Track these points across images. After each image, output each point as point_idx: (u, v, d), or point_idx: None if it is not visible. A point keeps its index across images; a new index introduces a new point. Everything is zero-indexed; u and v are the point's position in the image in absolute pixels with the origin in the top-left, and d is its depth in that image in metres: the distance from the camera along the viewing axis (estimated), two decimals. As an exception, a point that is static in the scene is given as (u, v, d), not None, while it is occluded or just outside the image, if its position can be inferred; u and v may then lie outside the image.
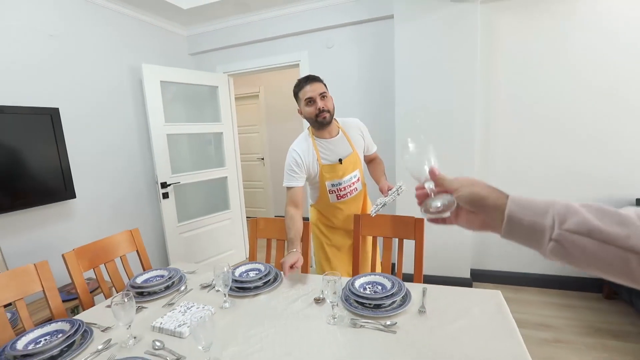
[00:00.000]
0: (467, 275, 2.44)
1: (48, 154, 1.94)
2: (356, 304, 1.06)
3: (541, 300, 2.26)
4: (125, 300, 0.95)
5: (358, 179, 1.61)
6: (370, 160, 1.75)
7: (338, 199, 1.58)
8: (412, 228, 1.50)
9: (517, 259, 2.47)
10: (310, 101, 1.42)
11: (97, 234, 2.23)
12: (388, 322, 0.96)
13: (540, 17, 2.17)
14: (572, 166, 2.25)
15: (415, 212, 1.71)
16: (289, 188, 1.51)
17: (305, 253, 1.54)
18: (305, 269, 1.50)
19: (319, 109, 1.40)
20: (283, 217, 1.53)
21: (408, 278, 1.42)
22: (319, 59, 2.75)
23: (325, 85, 1.48)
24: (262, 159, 4.70)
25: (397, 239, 1.54)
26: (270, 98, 4.52)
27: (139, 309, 1.16)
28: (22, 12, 1.89)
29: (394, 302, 1.04)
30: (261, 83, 4.51)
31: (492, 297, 1.07)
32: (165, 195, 2.63)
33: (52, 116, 1.94)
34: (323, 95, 1.42)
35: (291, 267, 1.26)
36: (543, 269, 2.42)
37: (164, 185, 2.61)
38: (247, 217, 3.57)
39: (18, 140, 1.80)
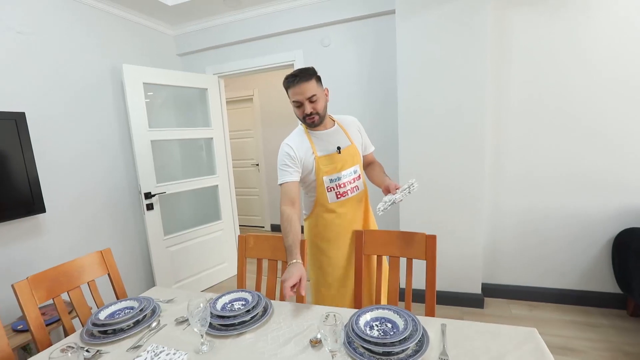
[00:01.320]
0: (478, 290, 2.24)
1: (13, 163, 1.73)
2: (362, 350, 0.86)
3: (559, 318, 2.07)
4: (69, 353, 0.75)
5: (359, 177, 1.44)
6: (368, 164, 1.57)
7: (337, 197, 1.39)
8: (422, 246, 1.30)
9: (530, 272, 2.28)
10: (299, 104, 1.31)
11: (72, 251, 2.03)
12: (403, 378, 0.77)
13: (554, 11, 1.99)
14: (588, 170, 2.06)
15: (422, 227, 1.51)
16: (282, 185, 1.34)
17: (300, 275, 1.34)
18: (300, 298, 1.30)
19: (306, 114, 1.30)
20: (276, 233, 1.32)
21: (417, 294, 1.23)
22: (315, 58, 2.56)
23: (317, 80, 1.32)
24: (257, 164, 4.51)
25: (405, 259, 1.35)
26: (265, 101, 4.34)
27: (97, 355, 0.96)
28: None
29: (407, 349, 0.84)
30: (255, 86, 4.33)
31: (528, 338, 0.88)
32: (150, 207, 2.43)
33: (16, 121, 1.73)
34: (312, 99, 1.29)
35: (293, 286, 1.06)
36: (560, 283, 2.22)
37: (147, 195, 2.40)
38: (240, 226, 3.38)
39: (-24, 149, 1.60)
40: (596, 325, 1.97)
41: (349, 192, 1.41)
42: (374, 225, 1.57)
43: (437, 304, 1.24)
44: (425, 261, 1.28)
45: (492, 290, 2.34)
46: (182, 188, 2.66)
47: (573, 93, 2.03)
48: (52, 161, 1.97)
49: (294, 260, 1.15)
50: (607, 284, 2.13)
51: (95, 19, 2.24)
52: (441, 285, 2.27)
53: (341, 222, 1.42)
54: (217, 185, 2.94)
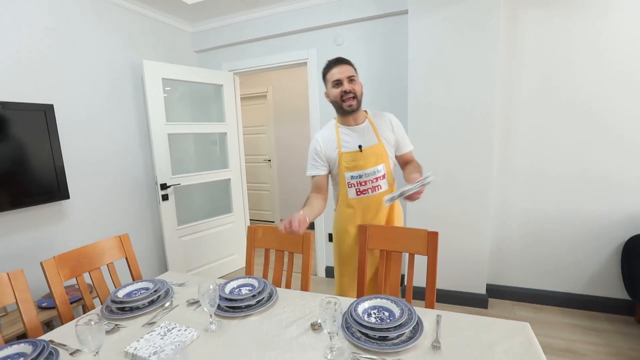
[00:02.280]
0: (483, 291, 2.25)
1: (41, 152, 1.85)
2: (359, 334, 0.92)
3: (565, 322, 2.06)
4: (93, 322, 0.83)
5: (384, 176, 1.43)
6: (405, 163, 1.51)
7: (357, 194, 1.43)
8: (424, 242, 1.34)
9: (537, 274, 2.27)
10: (338, 83, 1.36)
11: (92, 237, 2.15)
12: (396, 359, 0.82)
13: (570, 10, 1.97)
14: (600, 171, 2.04)
15: (427, 224, 1.54)
16: (312, 177, 1.48)
17: (306, 265, 1.40)
18: (305, 286, 1.37)
19: (345, 91, 1.35)
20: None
21: (418, 292, 1.27)
22: (328, 56, 2.56)
23: (355, 69, 1.40)
24: (269, 160, 4.59)
25: (407, 254, 1.39)
26: (279, 98, 4.41)
27: (115, 329, 1.04)
28: (15, 3, 1.81)
29: (402, 335, 0.89)
30: (269, 83, 4.41)
31: (519, 331, 0.91)
32: (165, 197, 2.54)
33: (46, 113, 1.85)
34: (351, 79, 1.36)
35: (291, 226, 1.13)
36: (567, 287, 2.21)
37: (163, 186, 2.51)
38: (250, 220, 3.46)
39: (9, 137, 1.72)
40: (601, 330, 1.96)
41: (369, 190, 1.42)
42: (399, 224, 1.54)
43: (440, 302, 1.27)
44: (426, 257, 1.32)
45: (497, 292, 2.35)
46: (196, 180, 2.76)
47: (586, 93, 2.01)
48: (76, 151, 2.09)
49: (300, 212, 1.22)
50: (615, 290, 2.10)
51: (117, 15, 2.35)
52: (445, 284, 2.29)
53: (360, 218, 1.45)
54: (229, 179, 3.03)
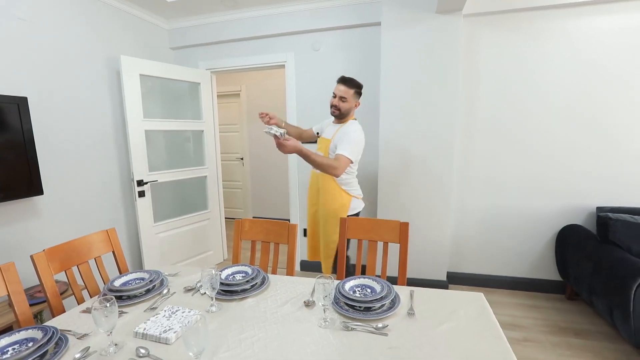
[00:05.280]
0: (444, 278, 2.53)
1: (13, 146, 1.79)
2: (347, 307, 1.07)
3: (512, 301, 2.39)
4: (107, 305, 0.90)
5: None
6: None
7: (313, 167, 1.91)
8: (397, 232, 1.53)
9: (490, 262, 2.60)
10: (334, 96, 1.83)
11: (66, 234, 2.10)
12: (379, 325, 0.98)
13: (513, 35, 2.30)
14: (538, 176, 2.41)
15: (400, 216, 1.75)
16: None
17: (291, 254, 1.53)
18: (291, 272, 1.50)
19: (332, 104, 1.83)
20: (266, 218, 1.53)
21: (391, 281, 1.46)
22: (306, 61, 2.75)
23: (356, 92, 1.83)
24: (242, 158, 4.62)
25: (382, 243, 1.57)
26: (252, 97, 4.46)
27: (118, 314, 1.10)
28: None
29: (383, 305, 1.06)
30: (243, 82, 4.44)
31: (476, 299, 1.12)
32: (141, 194, 2.52)
33: (19, 105, 1.79)
34: (342, 99, 1.80)
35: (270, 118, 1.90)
36: (514, 272, 2.55)
37: (140, 183, 2.50)
38: (226, 218, 3.49)
39: (-21, 131, 1.66)
40: (539, 307, 2.30)
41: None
42: (324, 204, 1.92)
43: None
44: (399, 244, 1.51)
45: (456, 278, 2.64)
46: (172, 177, 2.76)
47: (525, 112, 2.37)
48: (50, 146, 2.03)
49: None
50: (551, 273, 2.48)
51: (94, 9, 2.31)
52: (412, 272, 2.53)
53: (310, 185, 2.02)
54: (206, 176, 3.05)
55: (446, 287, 2.51)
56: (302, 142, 1.99)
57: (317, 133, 2.10)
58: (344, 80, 1.81)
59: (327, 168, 1.68)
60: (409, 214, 2.47)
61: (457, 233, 2.62)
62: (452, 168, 2.36)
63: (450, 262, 2.64)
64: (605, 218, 2.08)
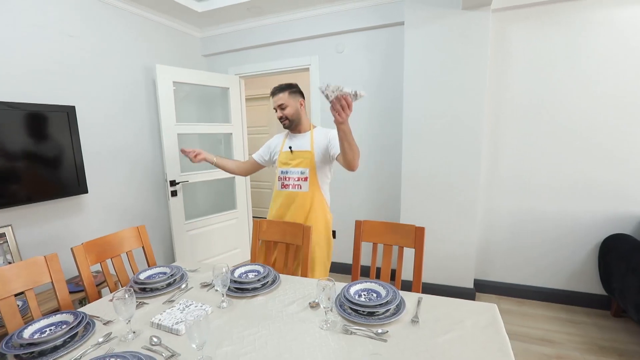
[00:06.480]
0: (471, 285, 2.41)
1: (63, 150, 2.02)
2: (350, 311, 1.08)
3: (545, 314, 2.22)
4: (127, 295, 0.99)
5: (306, 179, 1.66)
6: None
7: (282, 187, 1.74)
8: (412, 236, 1.50)
9: (521, 270, 2.43)
10: (275, 110, 1.72)
11: (106, 228, 2.31)
12: (379, 330, 0.97)
13: (552, 26, 2.14)
14: (579, 176, 2.21)
15: (421, 223, 1.71)
16: (251, 156, 1.92)
17: (305, 254, 1.56)
18: (305, 273, 1.53)
19: (279, 118, 1.71)
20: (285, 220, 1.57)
21: (407, 285, 1.43)
22: (329, 63, 2.77)
23: (290, 93, 1.68)
24: (271, 159, 4.74)
25: (397, 247, 1.55)
26: (281, 100, 4.56)
27: (140, 305, 1.20)
28: (44, 13, 1.97)
29: (387, 311, 1.05)
30: (272, 84, 4.54)
31: (488, 310, 1.07)
32: (174, 193, 2.70)
33: (68, 114, 2.02)
34: (282, 107, 1.68)
35: (194, 155, 1.76)
36: (548, 282, 2.37)
37: (172, 183, 2.67)
38: (253, 217, 3.62)
39: (36, 136, 1.89)
40: (578, 322, 2.11)
41: (290, 186, 1.70)
42: (314, 222, 1.67)
43: (430, 294, 1.40)
44: (414, 249, 1.48)
45: (483, 286, 2.51)
46: (203, 178, 2.92)
47: (567, 104, 2.17)
48: (94, 149, 2.25)
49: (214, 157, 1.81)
50: (593, 286, 2.26)
51: (134, 23, 2.52)
52: (435, 278, 2.45)
53: (279, 206, 1.74)
54: (234, 177, 3.19)
55: (473, 295, 2.40)
56: (249, 173, 2.01)
57: (290, 147, 1.71)
58: (273, 92, 1.69)
59: (357, 153, 1.42)
60: (430, 214, 2.39)
61: (484, 237, 2.48)
62: (479, 168, 2.25)
63: (478, 269, 2.51)
64: (656, 228, 1.86)
